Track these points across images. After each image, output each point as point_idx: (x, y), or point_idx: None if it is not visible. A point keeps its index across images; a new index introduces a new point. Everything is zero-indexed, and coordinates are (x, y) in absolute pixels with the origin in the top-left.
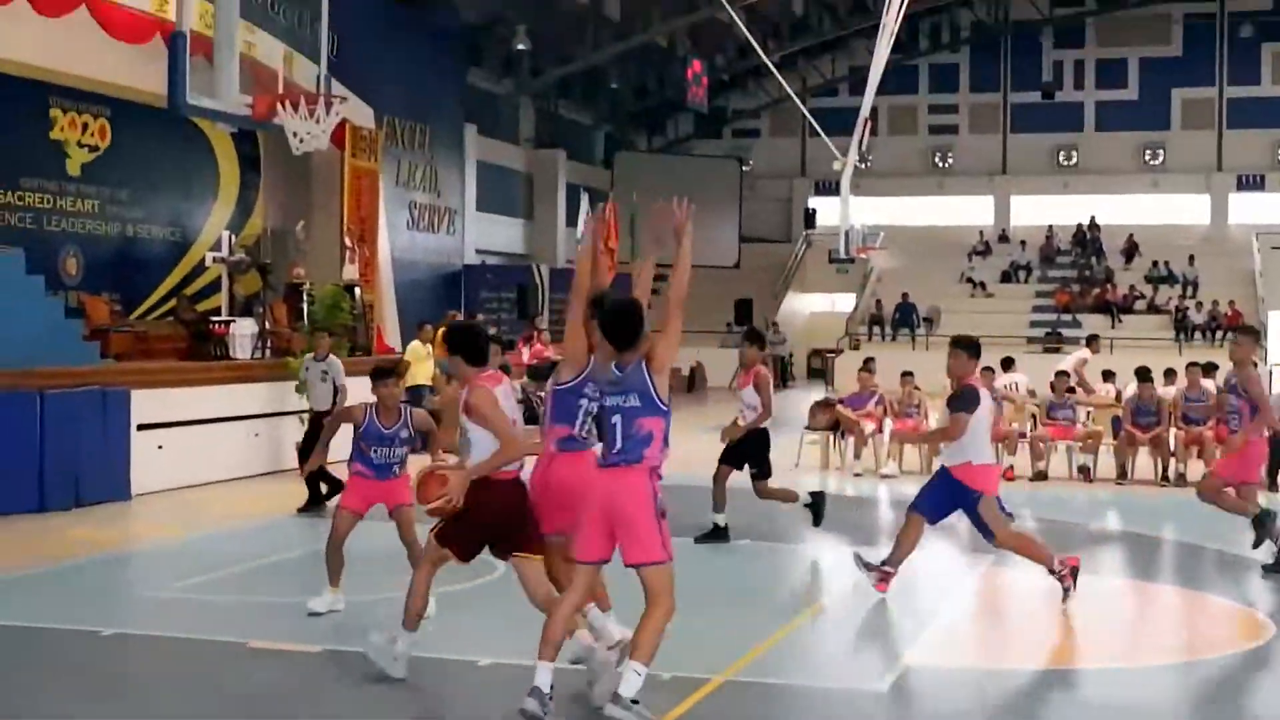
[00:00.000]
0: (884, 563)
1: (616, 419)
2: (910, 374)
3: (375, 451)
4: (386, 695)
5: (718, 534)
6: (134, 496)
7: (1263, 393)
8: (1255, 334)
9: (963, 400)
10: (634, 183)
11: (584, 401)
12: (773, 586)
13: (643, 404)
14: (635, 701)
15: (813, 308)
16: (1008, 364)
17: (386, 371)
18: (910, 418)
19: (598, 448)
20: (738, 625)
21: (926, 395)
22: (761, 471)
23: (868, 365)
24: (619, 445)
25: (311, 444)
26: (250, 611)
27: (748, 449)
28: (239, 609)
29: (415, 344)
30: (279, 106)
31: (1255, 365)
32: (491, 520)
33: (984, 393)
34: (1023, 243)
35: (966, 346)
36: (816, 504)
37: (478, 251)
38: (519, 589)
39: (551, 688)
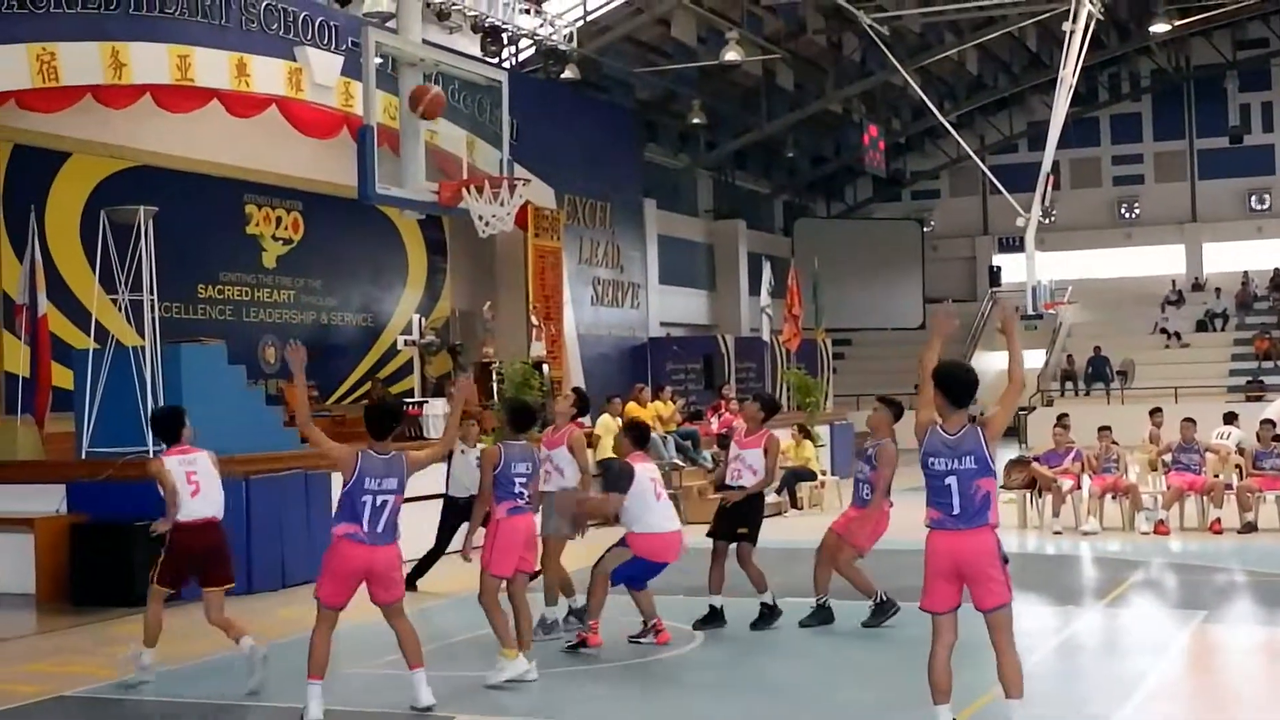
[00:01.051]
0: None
1: (951, 481)
2: (1108, 428)
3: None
4: None
5: (715, 617)
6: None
7: (888, 464)
8: (898, 407)
9: (614, 479)
10: (815, 248)
11: None
12: (974, 649)
13: (978, 466)
14: None
15: (1002, 365)
16: (1230, 418)
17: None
18: (1109, 473)
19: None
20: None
21: (1125, 449)
22: (750, 536)
23: (1062, 421)
24: (958, 507)
25: (447, 528)
26: (457, 686)
27: (745, 512)
28: (445, 684)
29: (605, 418)
30: (464, 192)
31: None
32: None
33: (639, 468)
34: (1217, 290)
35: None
36: (768, 614)
37: (662, 324)
38: (718, 657)
39: None
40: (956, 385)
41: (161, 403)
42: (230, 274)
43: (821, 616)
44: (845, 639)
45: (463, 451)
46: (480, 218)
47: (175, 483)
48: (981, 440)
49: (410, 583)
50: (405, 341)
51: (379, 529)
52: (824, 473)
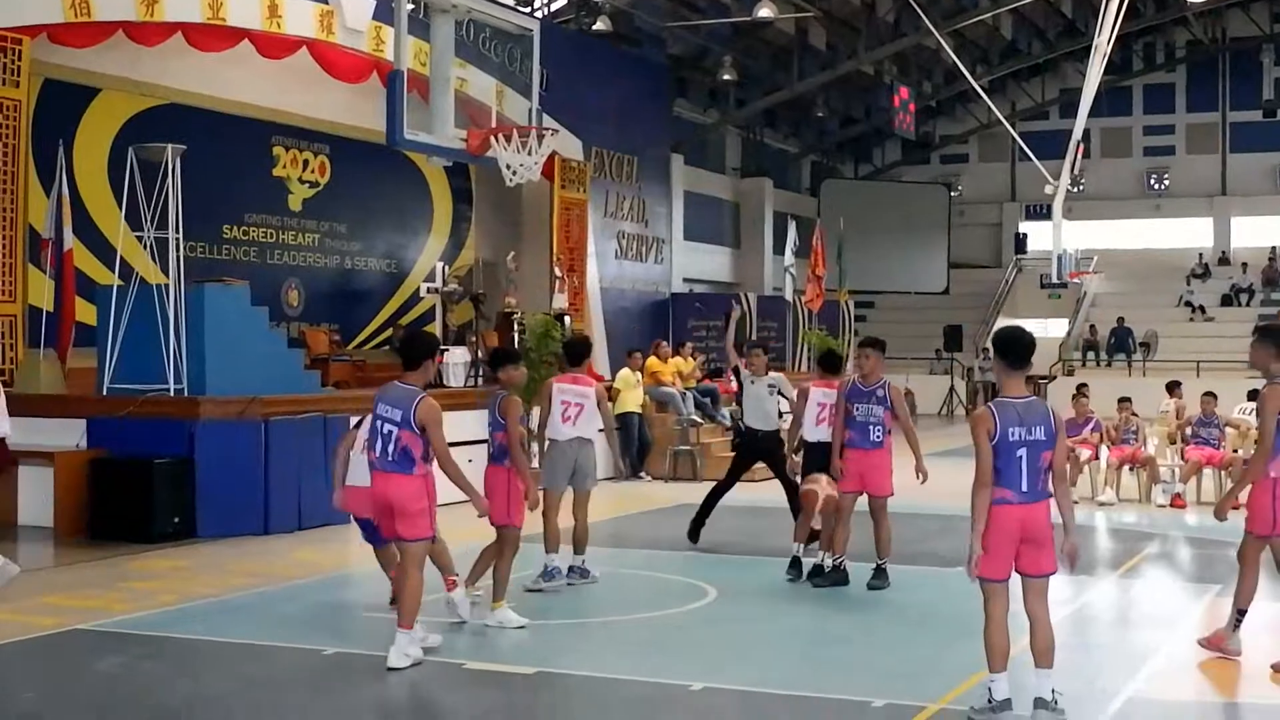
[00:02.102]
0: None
1: (1022, 452)
2: (1128, 400)
3: None
4: (592, 713)
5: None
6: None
7: (902, 401)
8: (883, 345)
9: None
10: (841, 209)
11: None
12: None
13: (1047, 438)
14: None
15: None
16: (1253, 395)
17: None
18: (1128, 444)
19: None
20: (954, 654)
21: (1144, 421)
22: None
23: (1081, 391)
24: (1025, 484)
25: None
26: (466, 633)
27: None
28: (454, 630)
29: (625, 371)
30: (492, 140)
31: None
32: None
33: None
34: (1244, 265)
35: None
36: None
37: (685, 280)
38: (732, 612)
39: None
40: (1016, 346)
41: (184, 342)
42: (256, 215)
43: (836, 577)
44: (874, 602)
45: (752, 383)
46: (508, 166)
47: None
48: (1048, 409)
49: (694, 532)
50: (428, 289)
51: (388, 456)
52: None
